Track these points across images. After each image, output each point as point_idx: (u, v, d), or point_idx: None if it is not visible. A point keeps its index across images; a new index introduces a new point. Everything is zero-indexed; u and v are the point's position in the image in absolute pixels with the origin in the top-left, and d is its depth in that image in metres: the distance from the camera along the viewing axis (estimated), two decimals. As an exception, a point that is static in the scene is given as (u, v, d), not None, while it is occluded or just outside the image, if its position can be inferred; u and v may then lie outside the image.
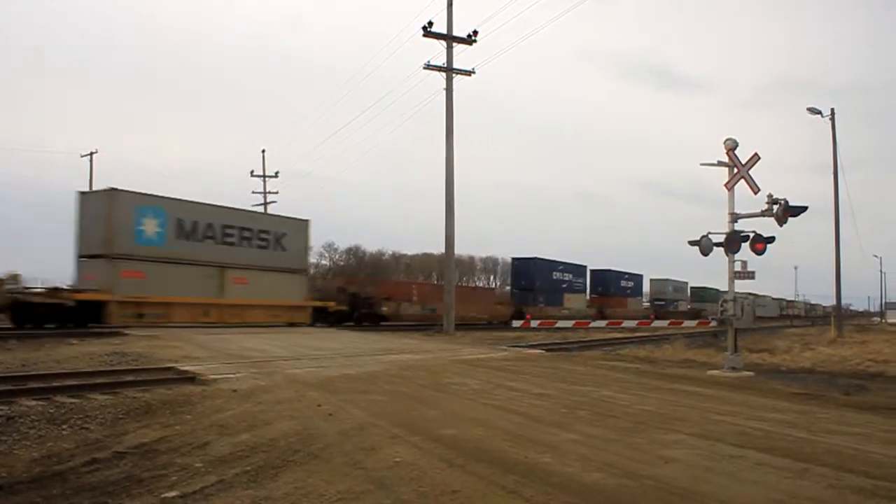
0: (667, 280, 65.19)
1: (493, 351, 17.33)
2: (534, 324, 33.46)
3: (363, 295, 35.17)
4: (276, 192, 54.35)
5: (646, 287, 65.08)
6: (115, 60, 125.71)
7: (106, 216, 23.18)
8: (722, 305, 13.85)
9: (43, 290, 23.38)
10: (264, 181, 53.63)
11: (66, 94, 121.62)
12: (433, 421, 7.18)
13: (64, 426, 6.67)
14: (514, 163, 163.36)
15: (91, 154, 52.19)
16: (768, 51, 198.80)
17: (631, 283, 60.49)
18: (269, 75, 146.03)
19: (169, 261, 24.46)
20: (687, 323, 37.63)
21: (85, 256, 23.91)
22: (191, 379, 9.70)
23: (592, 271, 55.58)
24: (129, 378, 9.68)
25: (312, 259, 70.01)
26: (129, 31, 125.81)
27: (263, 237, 28.35)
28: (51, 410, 7.24)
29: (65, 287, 23.78)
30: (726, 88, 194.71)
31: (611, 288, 56.68)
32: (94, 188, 40.84)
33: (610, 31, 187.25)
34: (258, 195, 53.54)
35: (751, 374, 13.02)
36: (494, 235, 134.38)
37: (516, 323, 35.05)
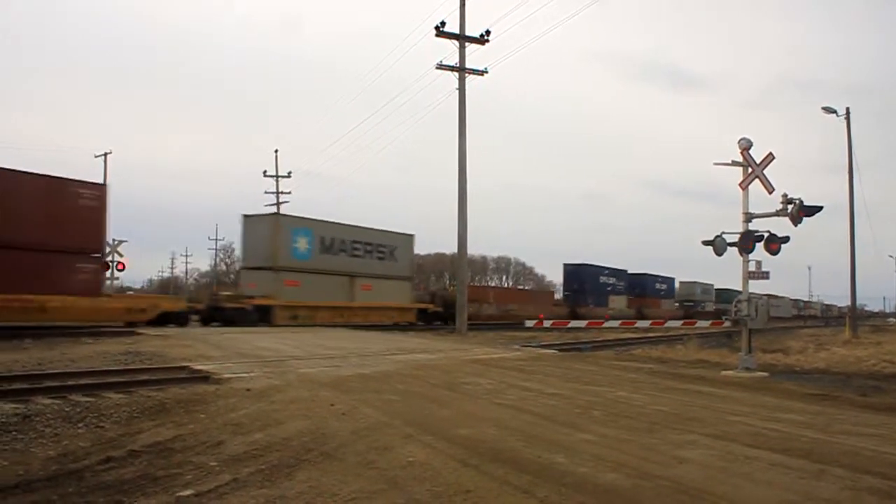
0: (695, 283, 69.59)
1: (505, 351, 17.31)
2: (546, 324, 33.45)
3: (451, 298, 38.43)
4: (289, 193, 54.62)
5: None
6: (122, 61, 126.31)
7: (270, 236, 29.03)
8: (736, 306, 13.77)
9: (228, 296, 29.12)
10: (277, 181, 53.83)
11: (69, 94, 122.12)
12: (446, 420, 7.18)
13: (79, 424, 6.72)
14: (524, 162, 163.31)
15: (105, 154, 52.43)
16: (777, 50, 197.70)
17: (664, 286, 64.89)
18: (281, 75, 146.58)
19: (315, 272, 30.10)
20: (700, 323, 37.96)
21: (249, 268, 30.26)
22: (204, 378, 9.74)
23: (630, 275, 59.59)
24: (144, 377, 9.74)
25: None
26: (134, 31, 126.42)
27: (381, 250, 33.72)
28: (66, 409, 7.29)
29: (243, 294, 28.97)
30: (735, 87, 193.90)
31: (647, 290, 60.98)
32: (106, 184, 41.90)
33: (618, 31, 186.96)
34: (271, 195, 53.83)
35: (765, 374, 12.95)
36: (505, 235, 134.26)
37: (529, 323, 35.20)
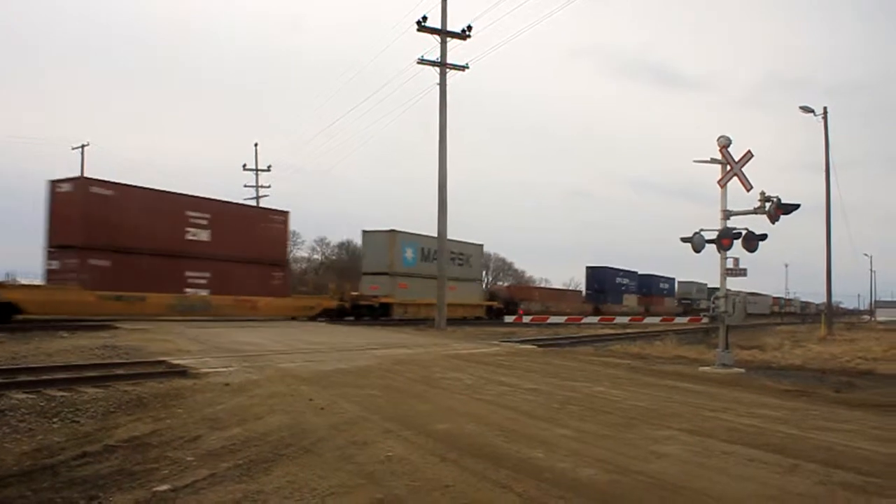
0: (692, 282, 73.97)
1: (484, 346, 17.34)
2: (526, 319, 33.60)
3: (508, 296, 47.75)
4: (269, 186, 54.45)
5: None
6: (106, 55, 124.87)
7: (388, 248, 35.30)
8: (713, 302, 13.89)
9: (359, 295, 34.42)
10: (256, 175, 53.54)
11: (56, 87, 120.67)
12: (425, 415, 7.18)
13: (54, 419, 6.65)
14: (508, 159, 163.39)
15: (82, 146, 51.91)
16: (763, 49, 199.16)
17: (666, 285, 70.36)
18: (261, 69, 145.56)
19: (417, 276, 36.11)
20: (678, 320, 39.62)
21: (369, 273, 35.88)
22: (182, 372, 9.66)
23: (640, 275, 64.70)
24: (121, 371, 9.65)
25: (304, 253, 70.31)
26: (117, 24, 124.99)
27: (461, 258, 39.94)
28: (41, 404, 7.21)
29: (367, 294, 34.79)
30: (722, 86, 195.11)
31: (653, 289, 66.23)
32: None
33: (605, 28, 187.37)
34: (250, 188, 53.61)
35: (741, 370, 13.07)
36: (487, 231, 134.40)
37: (509, 318, 35.57)
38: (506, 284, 68.92)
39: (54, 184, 23.14)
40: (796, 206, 13.31)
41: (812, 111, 34.65)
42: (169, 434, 6.15)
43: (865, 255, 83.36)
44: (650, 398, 8.85)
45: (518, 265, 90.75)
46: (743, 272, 14.14)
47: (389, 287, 34.88)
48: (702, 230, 13.76)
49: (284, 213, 30.57)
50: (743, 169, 13.33)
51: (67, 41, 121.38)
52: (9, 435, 6.06)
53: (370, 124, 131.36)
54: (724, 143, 13.42)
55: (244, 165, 53.48)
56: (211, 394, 8.11)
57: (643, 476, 4.98)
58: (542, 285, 78.35)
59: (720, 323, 13.66)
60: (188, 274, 25.58)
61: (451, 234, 29.32)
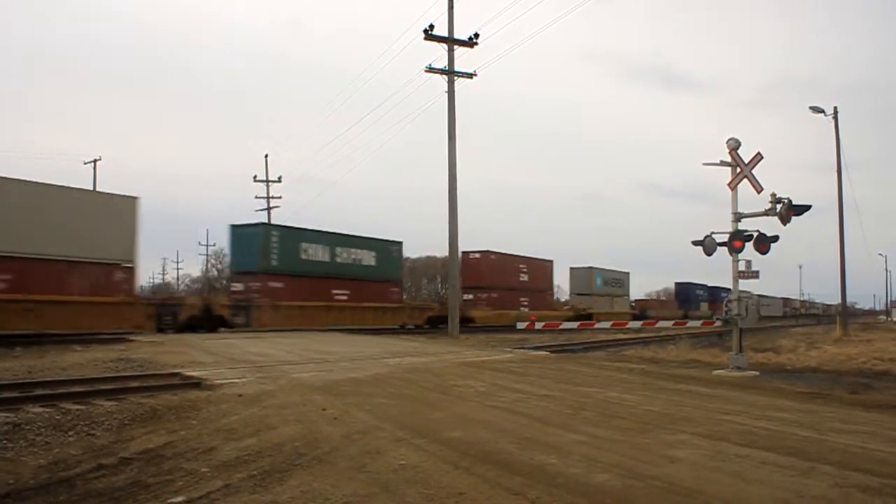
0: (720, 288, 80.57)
1: (497, 353, 17.32)
2: (538, 325, 33.50)
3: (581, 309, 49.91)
4: (280, 197, 54.67)
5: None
6: (112, 65, 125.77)
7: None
8: (726, 305, 13.83)
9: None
10: (267, 186, 53.73)
11: (61, 97, 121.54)
12: (438, 423, 7.18)
13: (70, 432, 6.70)
14: (518, 164, 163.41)
15: (94, 161, 52.25)
16: (772, 50, 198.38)
17: (701, 292, 73.90)
18: (270, 80, 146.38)
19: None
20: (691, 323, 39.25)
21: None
22: (196, 384, 9.71)
23: (709, 287, 72.21)
24: (135, 384, 9.71)
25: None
26: (123, 34, 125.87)
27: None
28: (57, 417, 7.26)
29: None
30: (732, 88, 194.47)
31: (690, 296, 71.33)
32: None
33: (613, 32, 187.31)
34: (261, 200, 53.77)
35: (756, 373, 13.00)
36: (498, 237, 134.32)
37: (521, 325, 35.35)
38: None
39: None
40: (808, 208, 13.25)
41: (822, 111, 34.53)
42: (183, 446, 6.18)
43: (880, 254, 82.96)
44: (664, 402, 8.82)
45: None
46: (755, 274, 14.09)
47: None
48: (713, 233, 13.72)
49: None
50: (753, 171, 13.28)
51: (101, 59, 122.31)
52: (26, 448, 6.11)
53: (379, 134, 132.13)
54: (734, 146, 13.39)
55: (255, 177, 53.74)
56: (225, 405, 8.14)
57: (657, 481, 4.97)
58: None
59: (733, 326, 13.60)
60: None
61: (463, 241, 29.40)
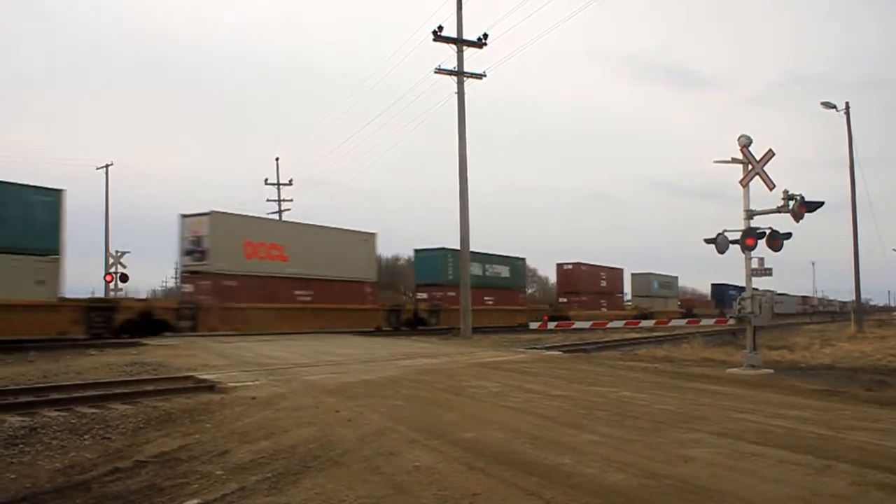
0: (767, 290, 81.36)
1: (510, 353, 17.30)
2: (551, 325, 33.48)
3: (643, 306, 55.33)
4: (291, 200, 54.76)
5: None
6: (117, 69, 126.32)
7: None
8: (739, 303, 13.76)
9: None
10: (278, 189, 53.88)
11: (68, 103, 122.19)
12: (452, 424, 7.18)
13: (85, 436, 6.73)
14: (527, 164, 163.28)
15: (106, 166, 52.52)
16: (780, 46, 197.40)
17: (734, 292, 77.11)
18: (279, 82, 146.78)
19: None
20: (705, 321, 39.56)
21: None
22: (210, 387, 9.75)
23: (713, 285, 73.97)
24: (149, 387, 9.75)
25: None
26: (130, 38, 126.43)
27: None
28: (72, 421, 7.31)
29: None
30: (740, 84, 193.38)
31: (725, 296, 72.17)
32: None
33: (621, 31, 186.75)
34: (272, 203, 53.91)
35: (770, 371, 12.92)
36: (508, 237, 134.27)
37: (533, 325, 35.31)
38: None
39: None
40: (820, 204, 13.16)
41: (834, 107, 34.33)
42: (198, 449, 6.20)
43: (894, 250, 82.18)
44: (678, 401, 8.78)
45: (542, 272, 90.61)
46: (768, 272, 14.01)
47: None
48: (725, 231, 13.65)
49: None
50: (765, 168, 13.21)
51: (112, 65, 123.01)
52: (42, 452, 6.15)
53: (389, 135, 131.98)
54: (745, 143, 13.31)
55: (266, 180, 53.89)
56: (238, 408, 8.16)
57: (672, 480, 4.95)
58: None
59: (747, 324, 13.53)
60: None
61: (474, 241, 29.42)
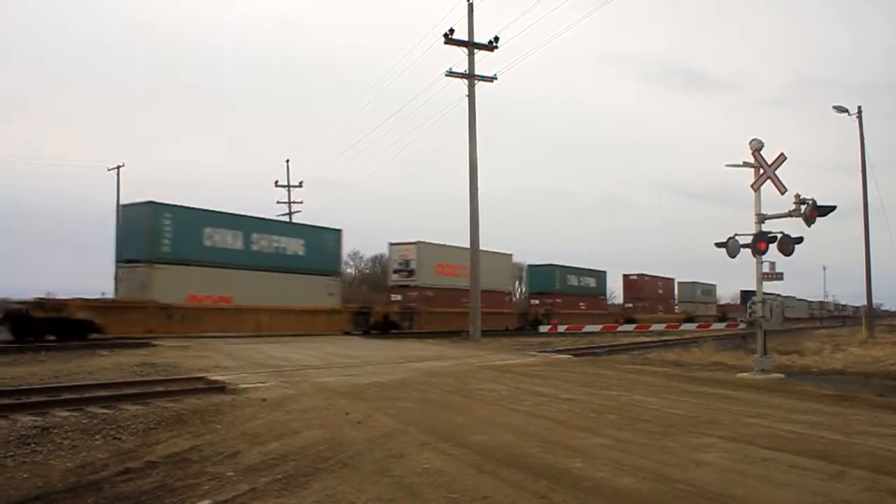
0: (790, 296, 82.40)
1: (519, 357, 17.28)
2: (561, 329, 33.43)
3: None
4: (301, 202, 54.92)
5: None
6: (126, 71, 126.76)
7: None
8: (750, 307, 13.70)
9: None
10: (289, 191, 53.95)
11: (74, 105, 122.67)
12: (462, 427, 7.18)
13: (97, 436, 6.76)
14: (538, 167, 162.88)
15: (118, 168, 52.78)
16: (791, 50, 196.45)
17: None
18: (290, 85, 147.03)
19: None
20: (715, 325, 40.49)
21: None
22: (220, 388, 9.78)
23: (742, 291, 77.05)
24: (160, 388, 9.79)
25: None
26: (137, 40, 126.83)
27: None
28: (84, 421, 7.33)
29: None
30: (752, 87, 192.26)
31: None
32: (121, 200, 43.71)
33: (632, 33, 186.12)
34: (283, 205, 54.12)
35: (781, 376, 12.86)
36: (518, 239, 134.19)
37: (543, 328, 35.30)
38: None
39: None
40: (832, 208, 13.10)
41: (846, 111, 34.16)
42: (209, 450, 6.21)
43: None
44: (688, 405, 8.75)
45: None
46: (780, 276, 13.96)
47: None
48: (736, 235, 13.61)
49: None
50: (777, 171, 13.16)
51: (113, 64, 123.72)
52: (54, 452, 6.17)
53: (400, 137, 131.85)
54: (757, 147, 13.27)
55: (276, 182, 54.04)
56: (249, 409, 8.18)
57: (683, 484, 4.93)
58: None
59: (757, 328, 13.48)
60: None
61: (484, 242, 29.44)
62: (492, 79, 27.86)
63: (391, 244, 37.43)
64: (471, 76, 27.28)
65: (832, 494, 4.70)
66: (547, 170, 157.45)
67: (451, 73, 27.35)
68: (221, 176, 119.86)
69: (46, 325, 20.87)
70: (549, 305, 45.32)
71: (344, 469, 5.47)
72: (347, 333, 29.04)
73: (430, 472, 5.32)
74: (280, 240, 28.24)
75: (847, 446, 6.30)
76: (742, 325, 16.33)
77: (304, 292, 28.41)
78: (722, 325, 39.80)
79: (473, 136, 27.32)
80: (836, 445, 6.32)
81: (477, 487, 4.88)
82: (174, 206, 24.85)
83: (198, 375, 11.25)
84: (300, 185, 54.15)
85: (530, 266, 49.87)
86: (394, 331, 31.70)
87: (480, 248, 31.44)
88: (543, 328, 34.41)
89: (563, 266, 49.07)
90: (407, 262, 36.44)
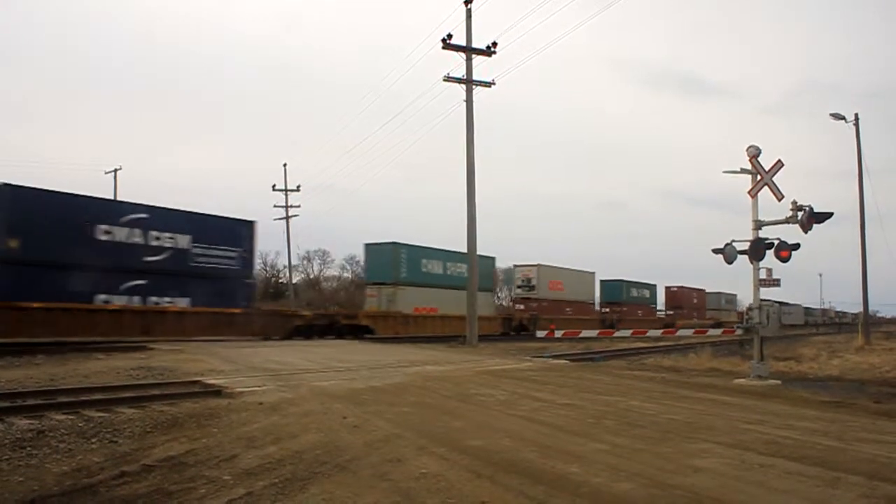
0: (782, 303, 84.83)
1: (517, 362, 17.26)
2: (558, 334, 33.42)
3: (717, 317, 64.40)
4: (298, 206, 55.03)
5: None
6: (124, 74, 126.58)
7: None
8: (747, 313, 13.71)
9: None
10: (286, 195, 54.12)
11: (71, 108, 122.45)
12: (459, 432, 7.17)
13: (93, 440, 6.74)
14: (536, 172, 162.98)
15: (115, 171, 52.85)
16: (794, 56, 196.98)
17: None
18: (288, 89, 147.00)
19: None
20: (712, 331, 40.80)
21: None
22: (217, 392, 9.76)
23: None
24: (156, 392, 9.75)
25: (334, 272, 70.90)
26: (135, 44, 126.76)
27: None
28: (80, 424, 7.31)
29: None
30: (751, 94, 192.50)
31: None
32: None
33: (632, 39, 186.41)
34: (280, 209, 54.15)
35: (777, 382, 12.88)
36: (516, 245, 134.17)
37: (540, 333, 35.32)
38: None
39: None
40: (829, 215, 13.13)
41: (843, 118, 34.25)
42: (205, 453, 6.20)
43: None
44: (685, 411, 8.76)
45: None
46: (776, 282, 13.98)
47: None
48: (733, 241, 13.63)
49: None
50: (774, 178, 13.19)
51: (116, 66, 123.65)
52: (49, 455, 6.15)
53: (398, 142, 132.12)
54: (754, 153, 13.30)
55: (273, 186, 54.12)
56: (246, 413, 8.16)
57: (680, 490, 4.92)
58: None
59: (754, 334, 13.49)
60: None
61: (481, 247, 29.48)
62: (489, 84, 27.87)
63: (515, 265, 50.18)
64: (468, 81, 27.30)
65: (829, 501, 4.70)
66: (544, 175, 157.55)
67: (448, 79, 27.39)
68: (219, 178, 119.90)
69: (348, 328, 30.48)
70: (619, 313, 55.16)
71: (341, 473, 5.46)
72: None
73: (428, 476, 5.31)
74: (461, 266, 34.81)
75: (844, 453, 6.30)
76: (739, 332, 16.28)
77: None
78: (719, 332, 40.66)
79: (471, 140, 27.33)
80: (832, 452, 6.32)
81: (475, 492, 4.88)
82: (407, 244, 35.23)
83: (194, 379, 11.22)
84: (297, 189, 54.34)
85: (602, 280, 58.47)
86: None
87: (555, 265, 48.97)
88: (540, 333, 34.48)
89: (627, 280, 59.48)
90: (528, 280, 48.22)
